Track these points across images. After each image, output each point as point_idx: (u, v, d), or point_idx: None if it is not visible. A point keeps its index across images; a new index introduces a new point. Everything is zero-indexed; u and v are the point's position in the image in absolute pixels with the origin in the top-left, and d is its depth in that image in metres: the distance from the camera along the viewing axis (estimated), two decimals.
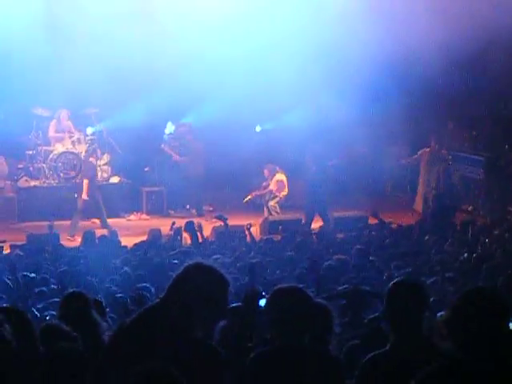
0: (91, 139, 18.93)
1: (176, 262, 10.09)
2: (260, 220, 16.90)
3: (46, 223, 14.46)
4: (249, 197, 18.22)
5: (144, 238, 13.58)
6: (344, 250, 11.45)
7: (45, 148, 18.64)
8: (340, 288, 7.33)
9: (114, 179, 18.96)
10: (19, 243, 13.09)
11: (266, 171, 18.19)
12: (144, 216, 18.62)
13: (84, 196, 16.97)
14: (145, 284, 8.41)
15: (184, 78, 16.96)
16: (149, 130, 18.78)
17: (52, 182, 18.47)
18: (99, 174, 18.53)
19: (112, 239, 13.12)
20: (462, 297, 3.45)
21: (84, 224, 16.71)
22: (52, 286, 8.82)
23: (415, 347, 4.31)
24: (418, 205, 18.08)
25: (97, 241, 12.89)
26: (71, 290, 5.69)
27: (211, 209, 19.00)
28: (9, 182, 18.32)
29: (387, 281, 8.59)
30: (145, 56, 17.17)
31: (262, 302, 4.44)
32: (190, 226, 12.80)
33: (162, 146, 19.39)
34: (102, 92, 17.02)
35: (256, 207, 18.62)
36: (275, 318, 4.20)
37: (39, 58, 16.75)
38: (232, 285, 4.06)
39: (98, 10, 17.56)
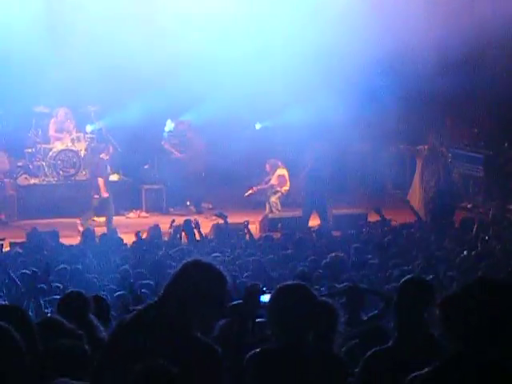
0: (90, 137, 18.93)
1: (174, 261, 10.09)
2: (260, 217, 16.90)
3: (45, 221, 14.47)
4: (250, 191, 18.22)
5: (143, 235, 13.56)
6: (343, 247, 11.46)
7: (44, 146, 18.64)
8: (339, 286, 7.33)
9: (114, 177, 18.95)
10: (19, 241, 13.09)
11: (267, 166, 18.19)
12: (143, 214, 18.63)
13: (104, 194, 16.96)
14: (147, 281, 8.41)
15: (184, 76, 16.97)
16: (148, 128, 18.78)
17: (51, 179, 18.46)
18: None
19: (112, 237, 13.11)
20: (461, 290, 3.44)
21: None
22: (51, 283, 8.82)
23: (418, 344, 4.34)
24: (412, 201, 18.03)
25: (97, 239, 12.88)
26: (70, 290, 5.69)
27: (211, 206, 18.99)
28: (8, 180, 18.33)
29: (386, 279, 8.61)
30: (144, 54, 17.18)
31: (263, 298, 4.42)
32: (186, 225, 12.80)
33: (163, 143, 19.39)
34: (101, 90, 17.01)
35: (255, 204, 18.63)
36: (278, 316, 4.17)
37: (39, 56, 16.77)
38: (231, 283, 4.05)
39: (98, 9, 17.57)
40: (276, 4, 18.15)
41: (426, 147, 17.72)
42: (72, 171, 18.37)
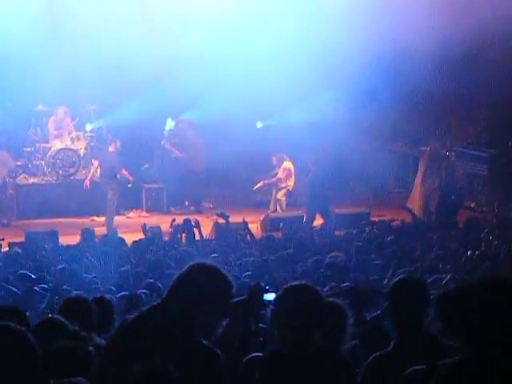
0: (90, 136, 18.95)
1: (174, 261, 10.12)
2: (261, 217, 16.91)
3: (45, 221, 14.49)
4: (258, 185, 18.23)
5: (143, 236, 13.57)
6: (345, 247, 11.47)
7: (43, 145, 18.66)
8: (340, 286, 7.34)
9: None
10: (18, 241, 13.11)
11: (274, 159, 18.21)
12: (144, 213, 18.64)
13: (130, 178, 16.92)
14: (151, 280, 8.40)
15: (184, 74, 17.01)
16: (148, 127, 18.81)
17: (50, 179, 18.48)
18: (92, 170, 18.43)
19: (113, 237, 13.12)
20: (463, 287, 3.43)
21: (83, 222, 16.72)
22: (50, 284, 8.84)
23: (419, 346, 4.31)
24: (413, 203, 18.02)
25: (96, 239, 12.89)
26: (72, 295, 5.67)
27: (211, 206, 19.02)
28: (7, 179, 18.35)
29: (388, 279, 8.62)
30: (144, 53, 17.21)
31: (267, 297, 4.44)
32: (186, 225, 12.80)
33: (163, 142, 19.41)
34: (101, 89, 17.05)
35: (256, 204, 18.64)
36: (285, 317, 4.16)
37: (38, 55, 16.79)
38: (234, 284, 4.05)
39: (99, 9, 17.60)
40: (277, 3, 18.18)
41: (428, 149, 17.73)
42: (71, 170, 18.39)
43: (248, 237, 12.81)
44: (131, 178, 17.50)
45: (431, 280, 8.12)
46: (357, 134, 18.08)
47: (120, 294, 7.74)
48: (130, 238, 13.14)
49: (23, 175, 18.62)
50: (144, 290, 7.90)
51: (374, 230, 13.78)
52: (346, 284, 7.46)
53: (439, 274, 8.85)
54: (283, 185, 18.06)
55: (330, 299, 4.72)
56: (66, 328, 4.50)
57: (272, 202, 18.09)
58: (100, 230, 14.66)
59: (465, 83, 17.69)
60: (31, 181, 18.53)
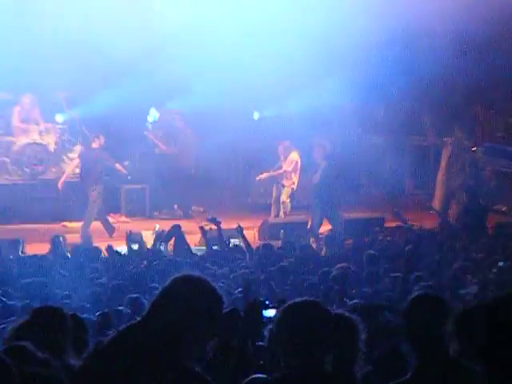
0: (61, 128, 18.97)
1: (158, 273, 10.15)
2: (259, 222, 16.93)
3: (8, 227, 14.49)
4: (262, 175, 18.05)
5: (122, 243, 13.62)
6: (355, 258, 11.51)
7: (7, 139, 18.66)
8: (349, 303, 7.37)
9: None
10: None
11: (280, 147, 17.97)
12: (123, 218, 18.65)
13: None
14: (135, 295, 8.41)
15: (171, 57, 17.00)
16: (129, 118, 18.76)
17: (16, 178, 18.49)
18: (70, 169, 18.48)
19: (86, 246, 13.15)
20: (485, 306, 3.43)
21: (53, 228, 16.73)
22: (15, 300, 8.87)
23: (441, 373, 4.33)
24: (437, 203, 18.09)
25: (69, 248, 12.91)
26: (40, 306, 5.68)
27: (202, 210, 19.04)
28: None
29: (405, 295, 8.64)
30: (124, 31, 17.17)
31: (267, 313, 4.45)
32: (175, 231, 12.83)
33: (146, 134, 19.42)
34: (73, 73, 17.04)
35: (256, 208, 18.65)
36: (289, 338, 4.15)
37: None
38: (225, 299, 4.08)
39: None
40: None
41: (450, 141, 17.75)
42: (40, 168, 18.41)
43: (243, 245, 12.83)
44: (126, 172, 17.53)
45: (454, 296, 8.15)
46: (368, 126, 18.11)
47: (96, 312, 7.77)
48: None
49: None
50: (123, 307, 7.92)
51: (389, 238, 13.79)
52: (354, 301, 7.48)
53: (463, 288, 8.88)
54: (289, 182, 17.90)
55: (339, 312, 4.74)
56: (34, 355, 4.52)
57: (274, 206, 18.01)
58: (73, 238, 14.68)
59: (491, 68, 17.71)
60: None
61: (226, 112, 18.34)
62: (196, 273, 4.13)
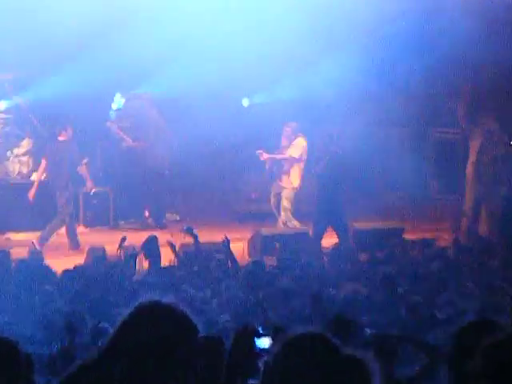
0: (5, 118, 18.99)
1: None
2: (249, 234, 16.93)
3: None
4: (263, 156, 17.81)
5: (80, 260, 13.60)
6: (367, 277, 11.53)
7: None
8: (362, 335, 7.36)
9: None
10: None
11: (286, 129, 17.81)
12: (81, 228, 18.63)
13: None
14: (99, 323, 8.42)
15: (139, 32, 17.01)
16: (88, 105, 18.77)
17: None
18: (16, 167, 18.53)
19: (35, 263, 13.12)
20: None
21: None
22: None
23: None
24: (468, 210, 18.11)
25: (12, 265, 12.89)
26: None
27: (178, 218, 19.08)
28: None
29: (427, 324, 8.64)
30: (81, 2, 17.20)
31: (260, 343, 4.48)
32: (151, 245, 12.84)
33: (109, 124, 19.42)
34: (20, 51, 17.08)
35: (242, 217, 18.67)
36: (289, 377, 4.20)
37: None
38: (206, 328, 4.05)
39: None
40: None
41: (480, 130, 17.74)
42: None
43: (228, 261, 12.84)
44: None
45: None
46: (378, 114, 18.12)
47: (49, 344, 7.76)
48: (60, 266, 13.15)
49: None
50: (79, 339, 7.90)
51: (410, 253, 13.81)
52: (368, 331, 7.46)
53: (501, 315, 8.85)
54: (286, 185, 17.83)
55: (349, 351, 4.74)
56: None
57: (276, 211, 17.89)
58: (18, 253, 14.64)
59: None
60: None
61: (209, 99, 18.37)
62: (168, 297, 4.11)
